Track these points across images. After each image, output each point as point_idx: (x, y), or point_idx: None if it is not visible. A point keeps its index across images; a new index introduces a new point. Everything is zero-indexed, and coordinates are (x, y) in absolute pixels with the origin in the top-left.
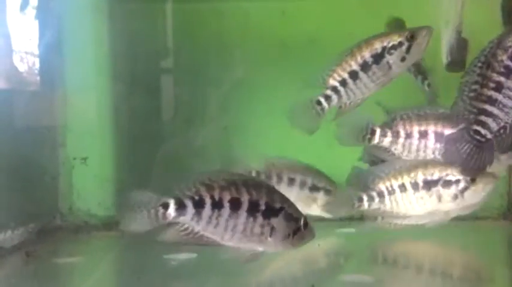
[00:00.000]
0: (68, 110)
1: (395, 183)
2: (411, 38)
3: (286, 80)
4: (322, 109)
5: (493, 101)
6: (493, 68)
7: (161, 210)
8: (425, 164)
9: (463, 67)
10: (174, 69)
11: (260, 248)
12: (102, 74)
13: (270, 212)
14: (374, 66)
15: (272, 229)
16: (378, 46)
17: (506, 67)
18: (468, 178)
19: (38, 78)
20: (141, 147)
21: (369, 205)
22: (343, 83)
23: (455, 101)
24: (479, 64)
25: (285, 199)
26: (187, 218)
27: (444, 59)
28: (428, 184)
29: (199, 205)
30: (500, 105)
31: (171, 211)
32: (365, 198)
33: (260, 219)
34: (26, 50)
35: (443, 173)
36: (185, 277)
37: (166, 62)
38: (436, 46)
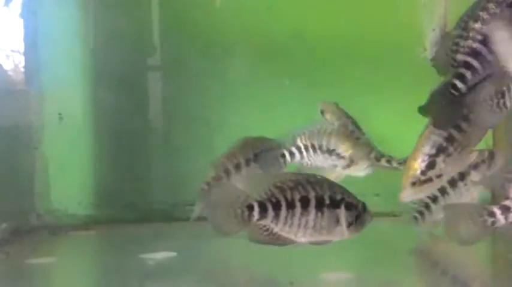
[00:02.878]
0: (44, 108)
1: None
2: None
3: (272, 76)
4: (285, 162)
5: (476, 54)
6: (483, 20)
7: (246, 212)
8: None
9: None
10: (158, 65)
11: (329, 239)
12: (81, 70)
13: (334, 204)
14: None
15: (337, 219)
16: None
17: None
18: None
19: (12, 75)
20: (121, 145)
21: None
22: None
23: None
24: (465, 18)
25: (344, 190)
26: (268, 220)
27: (429, 55)
28: None
29: (276, 206)
30: (483, 59)
31: (256, 213)
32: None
33: (327, 213)
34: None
35: None
36: (162, 276)
37: (150, 57)
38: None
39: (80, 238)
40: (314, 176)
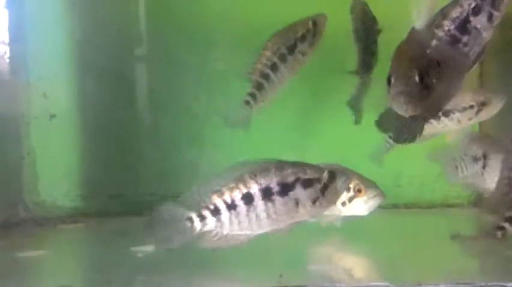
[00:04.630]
0: (31, 99)
1: None
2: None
3: None
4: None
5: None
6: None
7: (188, 224)
8: None
9: None
10: (145, 56)
11: (294, 222)
12: (67, 61)
13: (286, 189)
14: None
15: (296, 202)
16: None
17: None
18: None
19: None
20: (110, 137)
21: None
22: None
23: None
24: None
25: (296, 167)
26: (211, 226)
27: None
28: None
29: (216, 212)
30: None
31: (196, 224)
32: None
33: (279, 200)
34: None
35: None
36: (151, 269)
37: (137, 48)
38: None
39: (68, 230)
40: (259, 163)
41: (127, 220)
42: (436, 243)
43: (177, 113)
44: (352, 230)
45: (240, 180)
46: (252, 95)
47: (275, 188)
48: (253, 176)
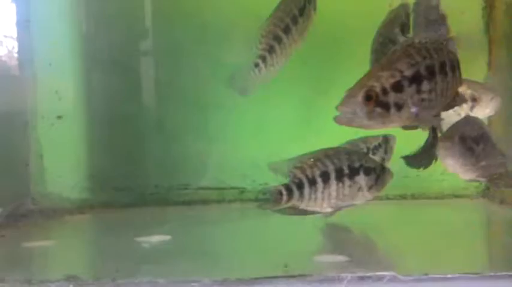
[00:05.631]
0: (38, 92)
1: None
2: None
3: None
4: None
5: None
6: None
7: (277, 196)
8: None
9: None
10: (152, 49)
11: (352, 203)
12: (74, 54)
13: (353, 172)
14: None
15: (358, 186)
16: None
17: None
18: None
19: (6, 61)
20: (115, 129)
21: None
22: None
23: None
24: None
25: (361, 156)
26: (295, 200)
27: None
28: None
29: (300, 186)
30: None
31: (284, 197)
32: None
33: (347, 182)
34: None
35: None
36: (157, 260)
37: (143, 41)
38: None
39: (75, 221)
40: (333, 149)
41: (133, 212)
42: (443, 233)
43: (183, 105)
44: (359, 221)
45: (317, 159)
46: (263, 58)
47: (346, 170)
48: (328, 156)
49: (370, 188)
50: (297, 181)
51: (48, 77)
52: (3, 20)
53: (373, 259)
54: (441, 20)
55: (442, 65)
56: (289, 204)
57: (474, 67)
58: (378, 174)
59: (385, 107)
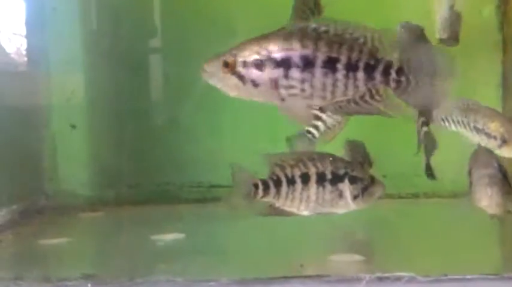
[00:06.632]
0: (51, 89)
1: None
2: None
3: None
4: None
5: None
6: None
7: (253, 189)
8: None
9: (457, 41)
10: (162, 46)
11: (333, 211)
12: (87, 51)
13: (336, 179)
14: None
15: (340, 193)
16: None
17: None
18: None
19: (18, 57)
20: (127, 126)
21: None
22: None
23: None
24: None
25: (348, 164)
26: (271, 196)
27: (437, 33)
28: None
29: (277, 183)
30: None
31: (260, 191)
32: None
33: (328, 187)
34: (5, 28)
35: None
36: (171, 258)
37: (154, 38)
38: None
39: (88, 219)
40: (319, 153)
41: (145, 209)
42: (458, 232)
43: (196, 102)
44: (372, 219)
45: (300, 160)
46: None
47: (328, 175)
48: (312, 159)
49: (355, 197)
50: (275, 177)
51: (61, 73)
52: (16, 17)
53: (389, 258)
54: (456, 19)
55: (333, 60)
56: (264, 200)
57: (489, 65)
58: (366, 185)
59: (241, 79)
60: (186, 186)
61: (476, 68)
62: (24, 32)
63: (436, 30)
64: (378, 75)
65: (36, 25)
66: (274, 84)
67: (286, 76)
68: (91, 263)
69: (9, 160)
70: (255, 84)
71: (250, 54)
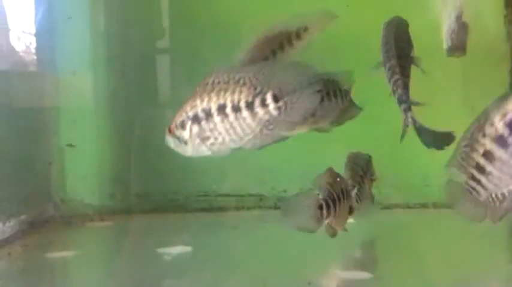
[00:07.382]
0: (60, 94)
1: None
2: None
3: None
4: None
5: None
6: None
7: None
8: None
9: (464, 51)
10: (171, 50)
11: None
12: (95, 55)
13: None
14: None
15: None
16: None
17: None
18: None
19: (27, 59)
20: (135, 136)
21: None
22: None
23: None
24: None
25: None
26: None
27: (445, 43)
28: None
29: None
30: None
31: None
32: None
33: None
34: (13, 31)
35: None
36: (179, 272)
37: (163, 42)
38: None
39: (96, 229)
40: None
41: (153, 218)
42: (468, 245)
43: None
44: (380, 231)
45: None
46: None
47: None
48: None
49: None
50: (331, 197)
51: (70, 77)
52: (25, 18)
53: (398, 275)
54: (463, 29)
55: (223, 107)
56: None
57: (496, 75)
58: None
59: (178, 139)
60: (193, 195)
61: (483, 78)
62: (32, 32)
63: (444, 41)
64: (259, 110)
65: (44, 26)
66: (197, 135)
67: (201, 129)
68: (98, 279)
69: (17, 169)
70: (184, 141)
71: (178, 118)
